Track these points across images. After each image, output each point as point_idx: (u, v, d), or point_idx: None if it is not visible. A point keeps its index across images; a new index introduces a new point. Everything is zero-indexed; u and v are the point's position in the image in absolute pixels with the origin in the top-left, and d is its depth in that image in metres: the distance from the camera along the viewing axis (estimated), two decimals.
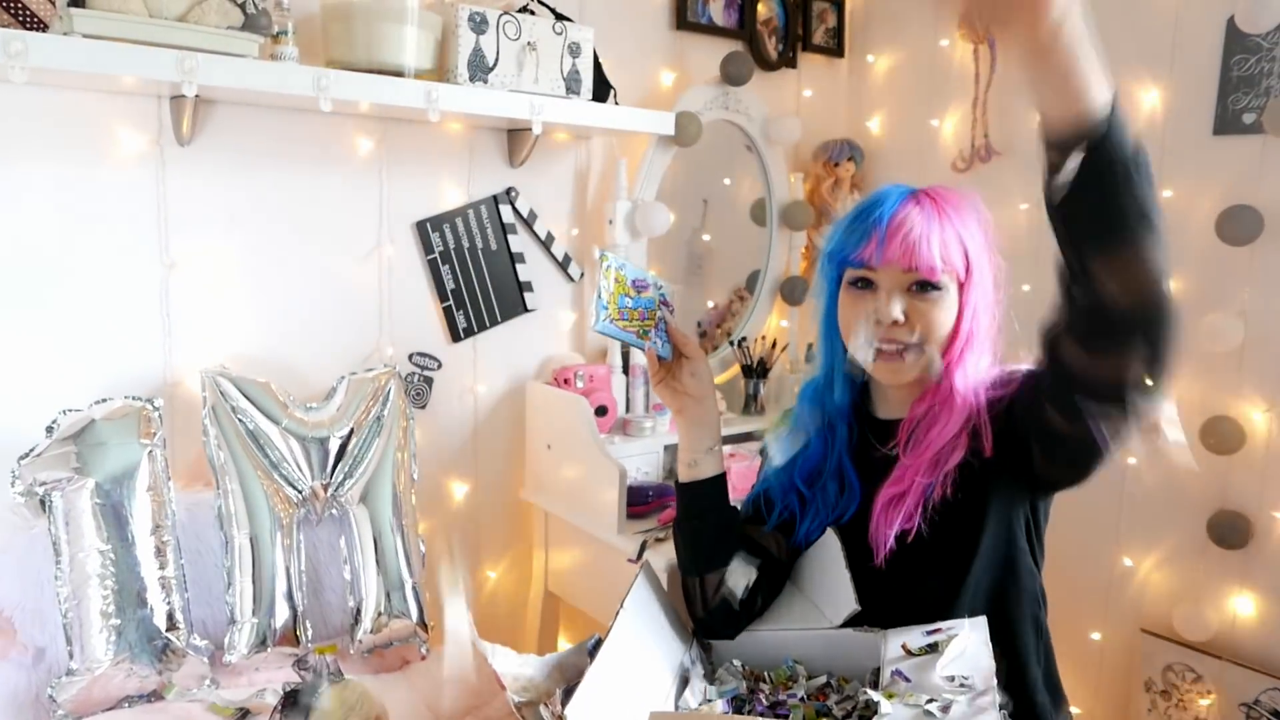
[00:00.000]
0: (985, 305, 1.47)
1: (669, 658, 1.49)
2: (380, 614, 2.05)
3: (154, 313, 2.11)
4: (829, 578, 1.55)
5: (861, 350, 1.47)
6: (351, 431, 2.09)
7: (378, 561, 2.07)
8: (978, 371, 1.48)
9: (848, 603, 1.50)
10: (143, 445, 1.86)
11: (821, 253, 1.56)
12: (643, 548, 2.24)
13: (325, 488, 2.04)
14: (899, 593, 1.47)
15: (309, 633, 1.98)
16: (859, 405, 1.62)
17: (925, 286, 1.44)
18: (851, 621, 1.50)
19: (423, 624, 2.11)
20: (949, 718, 1.19)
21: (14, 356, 1.97)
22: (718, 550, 1.59)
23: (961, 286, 1.45)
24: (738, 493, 1.79)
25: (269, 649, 1.93)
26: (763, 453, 1.76)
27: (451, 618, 1.69)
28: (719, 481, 1.62)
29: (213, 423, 1.96)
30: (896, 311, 1.44)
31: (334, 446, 2.06)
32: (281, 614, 1.94)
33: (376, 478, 2.11)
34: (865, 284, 1.48)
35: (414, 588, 2.10)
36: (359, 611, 2.03)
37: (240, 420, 1.97)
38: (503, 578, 2.81)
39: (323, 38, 2.16)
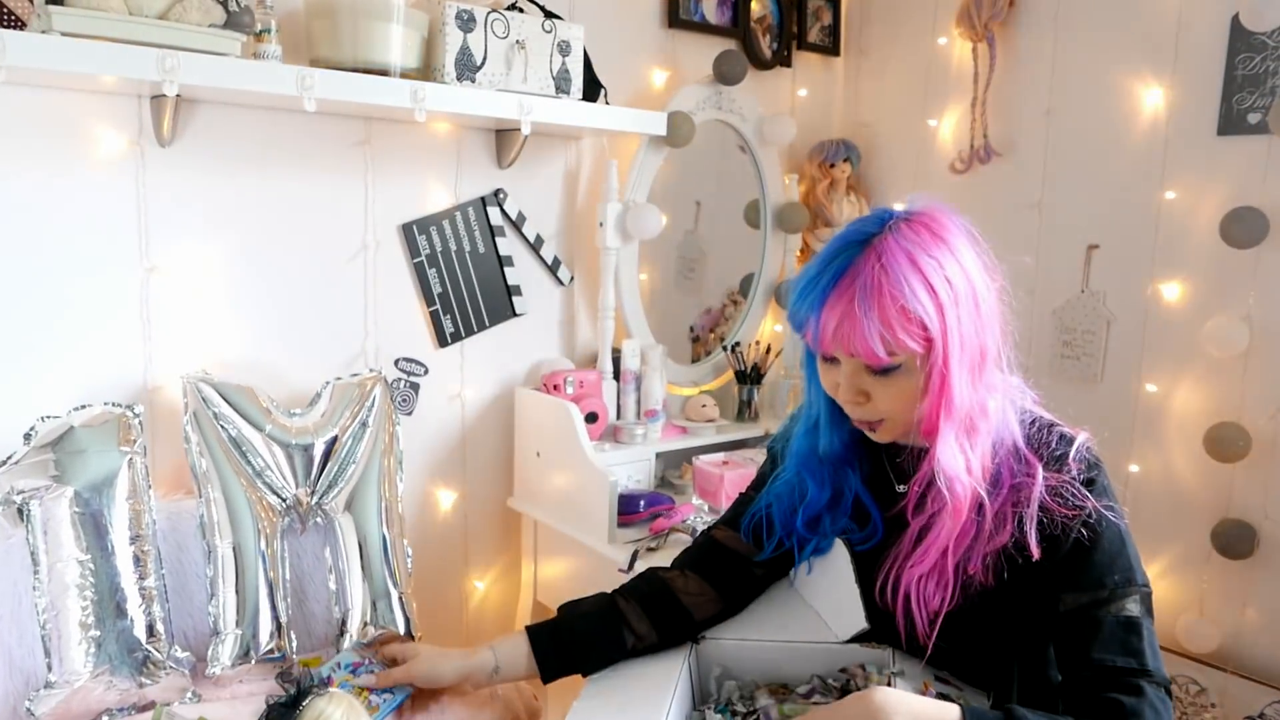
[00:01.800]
0: (962, 365, 1.36)
1: (659, 685, 1.49)
2: (366, 624, 2.06)
3: (134, 317, 2.13)
4: (837, 592, 1.55)
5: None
6: (336, 438, 2.10)
7: (363, 570, 2.08)
8: (982, 429, 1.40)
9: (856, 621, 1.51)
10: (122, 453, 1.87)
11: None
12: (634, 557, 2.26)
13: (310, 495, 2.06)
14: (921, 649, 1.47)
15: (294, 644, 1.99)
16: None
17: (879, 369, 1.37)
18: (857, 636, 1.51)
19: (409, 634, 2.13)
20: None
21: None
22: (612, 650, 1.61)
23: (926, 355, 1.35)
24: (730, 500, 1.81)
25: (253, 661, 1.94)
26: (771, 454, 1.74)
27: None
28: (542, 640, 1.63)
29: (194, 429, 1.97)
30: (852, 394, 1.41)
31: (318, 453, 2.07)
32: (265, 625, 1.95)
33: (362, 485, 2.12)
34: (828, 357, 1.44)
35: (400, 598, 2.12)
36: (344, 621, 2.04)
37: (222, 427, 1.99)
38: (491, 588, 2.83)
39: (306, 36, 2.19)
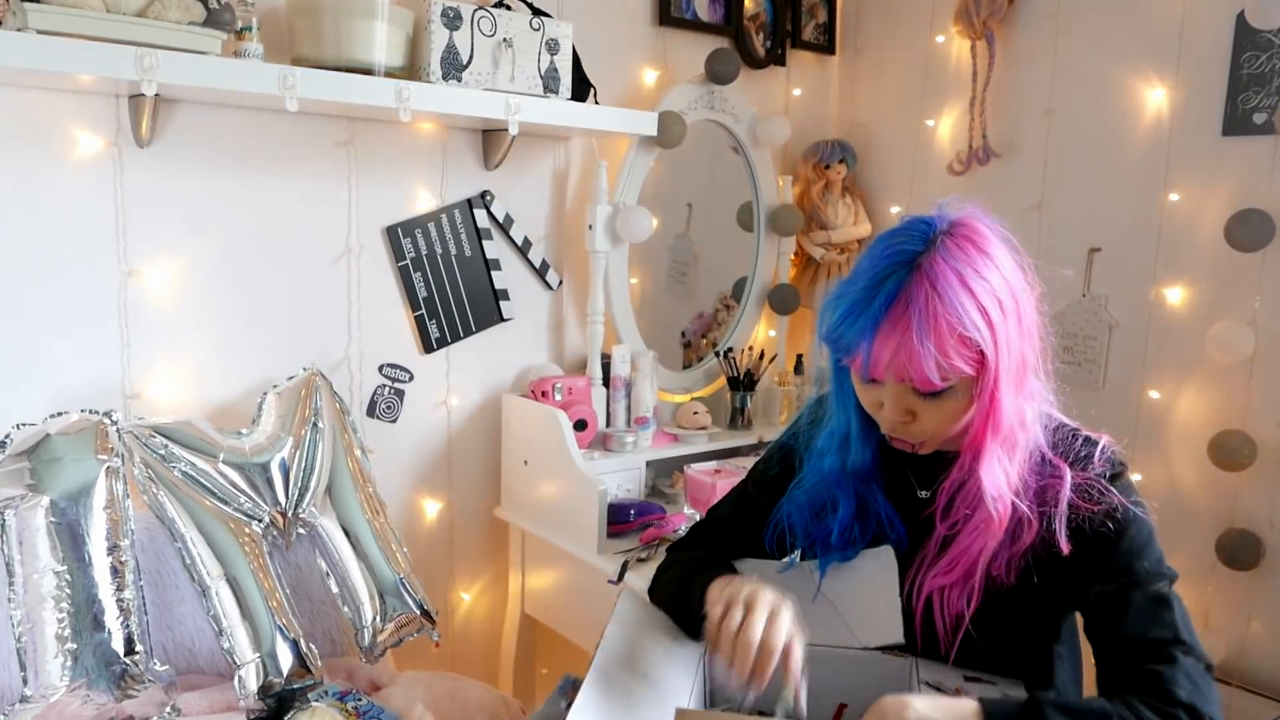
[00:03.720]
0: (1009, 380, 1.37)
1: (673, 688, 1.47)
2: (376, 617, 2.09)
3: (112, 322, 2.15)
4: (873, 599, 1.53)
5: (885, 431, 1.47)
6: (292, 447, 2.12)
7: (360, 564, 2.10)
8: (1024, 441, 1.43)
9: (891, 633, 1.50)
10: (100, 461, 1.88)
11: (817, 322, 1.47)
12: (624, 568, 2.27)
13: (284, 510, 2.07)
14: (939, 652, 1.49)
15: (318, 659, 2.00)
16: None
17: (928, 393, 1.37)
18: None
19: (425, 613, 2.15)
20: None
21: None
22: None
23: (976, 378, 1.35)
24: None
25: (277, 687, 1.93)
26: (787, 454, 1.69)
27: None
28: None
29: (150, 479, 1.97)
30: (898, 415, 1.40)
31: (277, 467, 2.09)
32: (282, 645, 1.95)
33: (335, 483, 2.16)
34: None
35: (403, 581, 2.13)
36: (358, 621, 2.07)
37: (175, 467, 1.99)
38: (477, 600, 2.84)
39: (289, 34, 2.21)
